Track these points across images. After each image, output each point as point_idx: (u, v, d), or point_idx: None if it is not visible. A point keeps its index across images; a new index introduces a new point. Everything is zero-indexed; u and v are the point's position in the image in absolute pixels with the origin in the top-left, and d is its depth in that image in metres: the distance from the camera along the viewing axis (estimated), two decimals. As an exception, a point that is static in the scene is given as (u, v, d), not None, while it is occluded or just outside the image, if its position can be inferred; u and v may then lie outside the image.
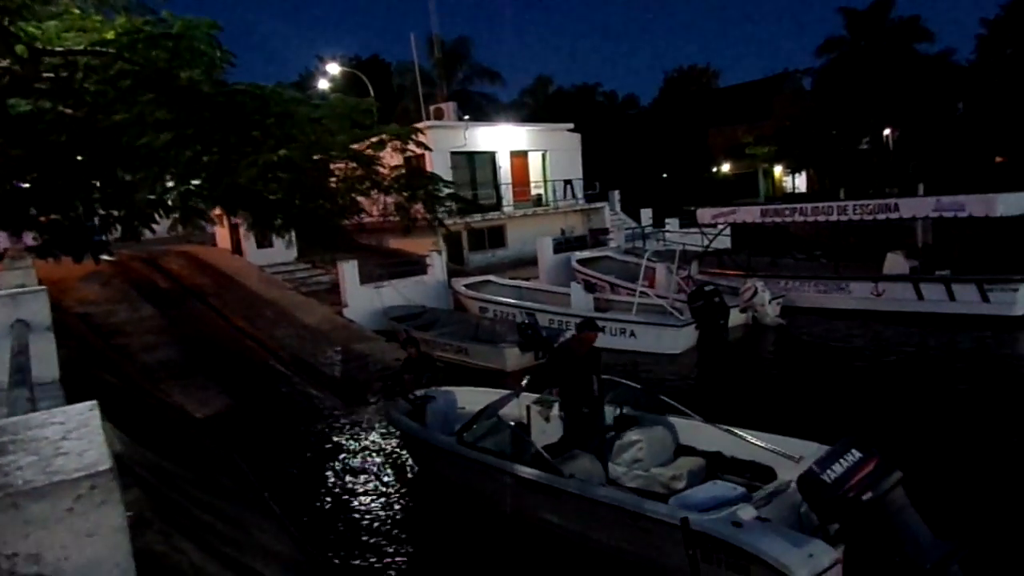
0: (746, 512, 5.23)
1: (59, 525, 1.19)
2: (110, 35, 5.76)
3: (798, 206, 18.26)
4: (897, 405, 10.34)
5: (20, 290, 4.34)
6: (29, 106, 5.65)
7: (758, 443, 6.60)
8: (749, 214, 19.11)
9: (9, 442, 1.40)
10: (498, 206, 24.42)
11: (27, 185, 7.69)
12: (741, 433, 6.80)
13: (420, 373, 9.44)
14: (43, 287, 4.62)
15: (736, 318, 15.38)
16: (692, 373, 13.36)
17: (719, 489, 5.89)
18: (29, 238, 8.88)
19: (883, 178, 32.74)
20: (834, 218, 17.28)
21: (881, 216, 16.36)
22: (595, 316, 14.97)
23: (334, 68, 33.74)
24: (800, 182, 42.45)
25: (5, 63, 5.62)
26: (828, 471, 5.29)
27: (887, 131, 34.81)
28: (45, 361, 4.18)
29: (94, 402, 1.63)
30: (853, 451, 5.49)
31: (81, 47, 5.75)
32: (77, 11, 5.81)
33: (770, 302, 15.80)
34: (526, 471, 6.58)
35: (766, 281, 16.38)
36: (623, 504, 5.81)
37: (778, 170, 42.51)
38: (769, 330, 15.65)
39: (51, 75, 5.96)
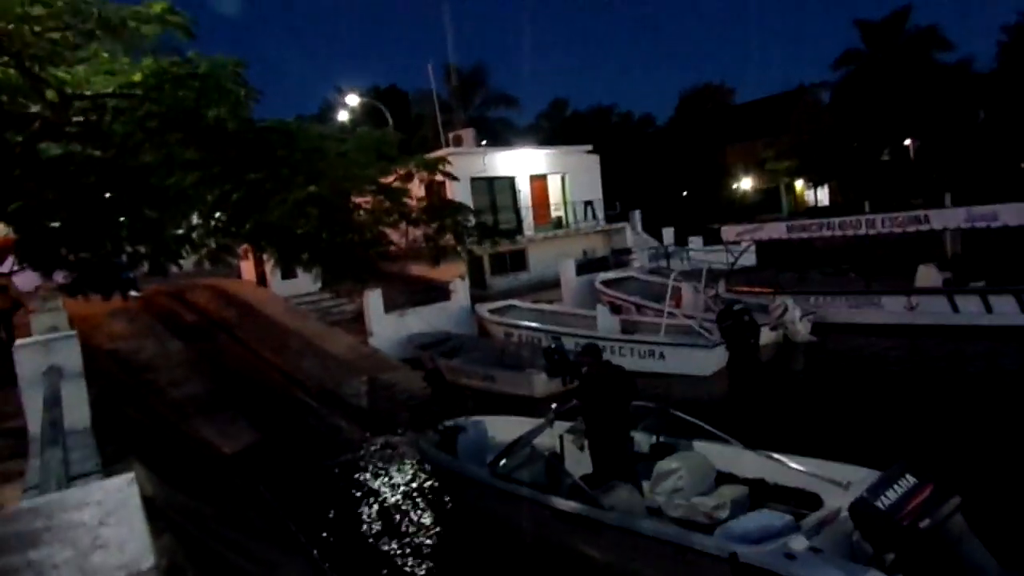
0: (798, 543, 5.02)
1: (98, 634, 1.06)
2: (137, 77, 5.80)
3: (826, 221, 17.94)
4: (944, 425, 9.97)
5: (53, 336, 4.31)
6: (60, 149, 5.69)
7: (802, 469, 6.37)
8: (775, 230, 18.84)
9: (44, 528, 1.29)
10: (519, 230, 24.37)
11: (57, 224, 7.76)
12: (783, 458, 6.57)
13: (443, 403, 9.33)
14: (73, 332, 4.59)
15: (767, 337, 15.07)
16: (724, 395, 13.06)
17: (766, 518, 5.66)
18: (60, 276, 8.93)
19: (906, 189, 32.28)
20: (863, 232, 16.94)
21: (911, 228, 16.02)
22: (621, 338, 14.84)
23: (353, 99, 34.14)
24: (822, 195, 42.03)
25: (37, 109, 5.67)
26: (882, 498, 5.08)
27: (908, 141, 34.38)
28: (77, 408, 4.13)
29: (131, 476, 1.53)
30: (907, 476, 5.28)
31: (109, 90, 5.80)
32: (106, 55, 5.87)
33: (801, 319, 15.49)
34: (564, 503, 6.40)
35: (796, 298, 16.08)
36: (668, 537, 5.60)
37: (799, 184, 42.13)
38: (801, 348, 15.30)
39: (80, 118, 6.01)
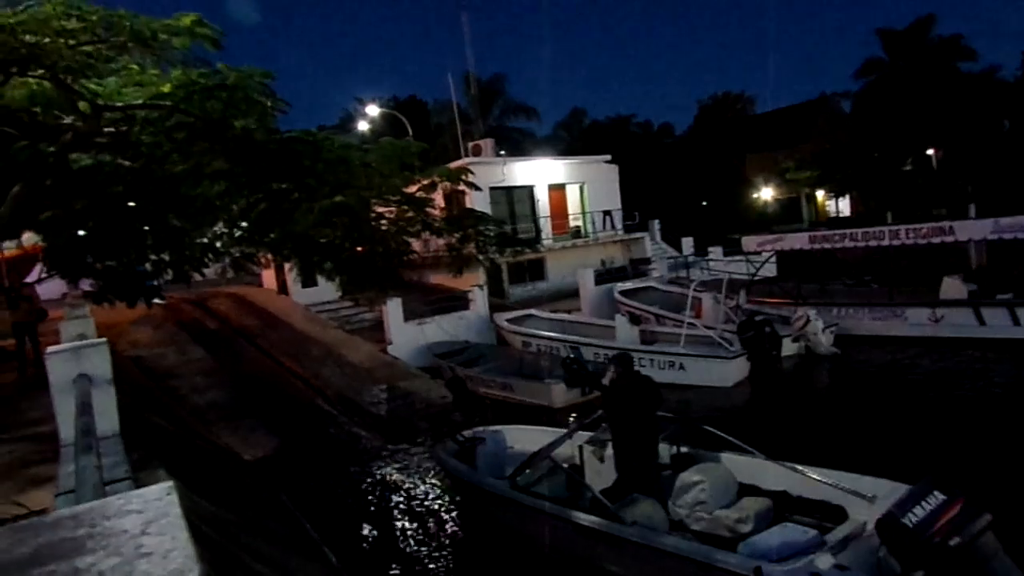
0: (824, 560, 4.95)
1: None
2: (166, 88, 5.91)
3: (848, 231, 17.74)
4: (972, 439, 9.78)
5: (82, 343, 4.37)
6: (90, 160, 5.80)
7: (825, 481, 6.27)
8: (797, 241, 18.65)
9: (87, 536, 1.30)
10: (537, 240, 24.38)
11: (83, 233, 7.90)
12: (806, 470, 6.48)
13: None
14: (103, 339, 4.65)
15: (788, 348, 14.93)
16: (745, 406, 12.93)
17: (790, 533, 5.58)
18: (86, 284, 9.09)
19: (930, 199, 31.87)
20: (886, 243, 16.73)
21: (936, 239, 15.79)
22: (641, 349, 14.74)
23: (373, 110, 34.43)
24: (844, 206, 41.60)
25: (69, 120, 5.79)
26: (910, 514, 4.99)
27: (931, 151, 33.97)
28: (106, 415, 4.18)
29: (171, 484, 1.54)
30: (936, 492, 5.18)
31: (139, 101, 5.91)
32: (136, 67, 5.98)
33: (824, 330, 15.31)
34: (584, 518, 6.35)
35: (818, 309, 15.90)
36: (691, 554, 5.53)
37: (821, 195, 41.75)
38: (823, 360, 15.13)
39: (111, 129, 6.13)
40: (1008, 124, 32.95)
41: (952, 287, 15.98)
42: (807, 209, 42.64)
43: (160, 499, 1.45)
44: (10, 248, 13.71)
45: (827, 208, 42.95)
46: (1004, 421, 10.59)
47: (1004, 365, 13.47)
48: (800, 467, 6.53)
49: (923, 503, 5.09)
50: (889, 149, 33.15)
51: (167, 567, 1.14)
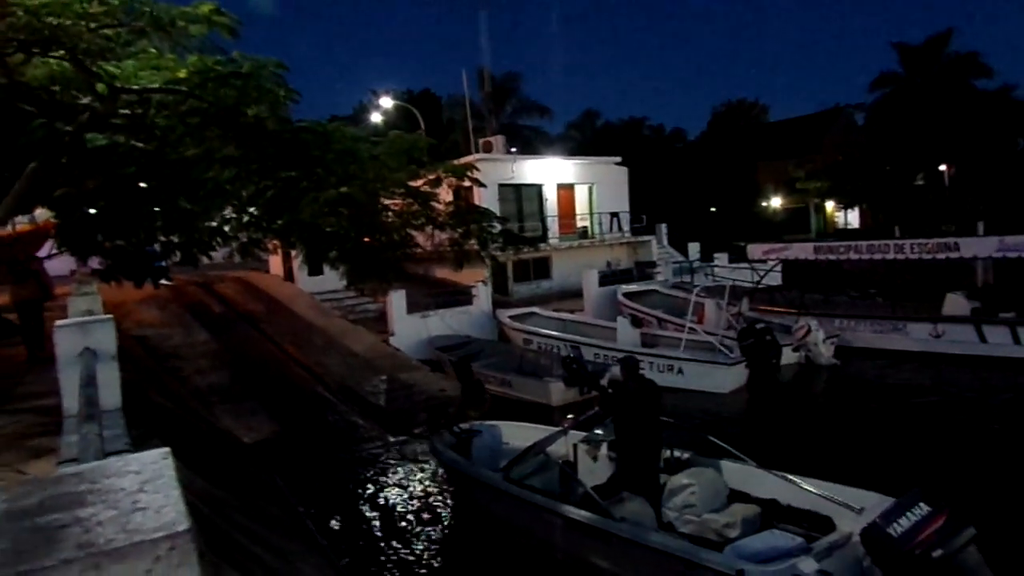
0: (807, 565, 5.02)
1: (137, 588, 1.17)
2: (183, 74, 6.02)
3: (853, 243, 17.75)
4: (964, 455, 9.83)
5: (89, 319, 4.48)
6: (105, 140, 5.92)
7: (815, 491, 6.35)
8: (802, 250, 18.68)
9: (87, 492, 1.40)
10: (544, 238, 24.46)
11: (95, 211, 8.04)
12: (797, 480, 6.55)
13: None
14: (110, 316, 4.76)
15: (788, 357, 14.96)
16: (742, 413, 12.99)
17: (777, 539, 5.66)
18: (95, 262, 9.21)
19: (939, 215, 31.75)
20: (891, 256, 16.74)
21: (941, 255, 15.79)
22: (641, 351, 14.80)
23: (387, 102, 34.53)
24: (853, 218, 41.49)
25: (87, 100, 5.91)
26: (894, 525, 5.07)
27: (943, 167, 33.82)
28: (109, 389, 4.29)
29: (167, 450, 1.64)
30: (921, 504, 5.26)
31: (156, 85, 6.02)
32: (153, 51, 6.10)
33: (824, 341, 15.36)
34: (575, 512, 6.44)
35: (820, 320, 15.94)
36: (677, 552, 5.62)
37: (830, 205, 41.65)
38: (823, 370, 15.17)
39: (127, 111, 6.25)
40: (1023, 143, 32.79)
41: (955, 303, 15.99)
42: (815, 219, 42.55)
43: (156, 462, 1.56)
44: (23, 223, 13.87)
45: (836, 219, 42.85)
46: (997, 438, 10.63)
47: (1002, 383, 13.48)
48: (791, 476, 6.60)
49: (908, 514, 5.16)
50: (901, 163, 33.03)
51: (160, 520, 1.24)
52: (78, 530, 1.21)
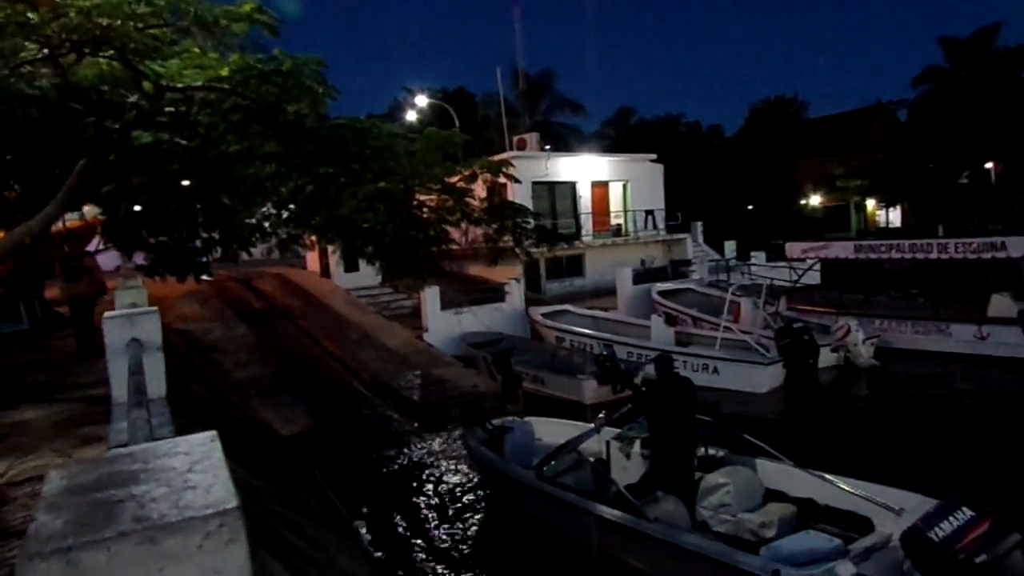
0: (845, 569, 4.93)
1: (189, 561, 1.21)
2: (225, 72, 6.16)
3: (895, 242, 17.38)
4: (1010, 460, 9.53)
5: (136, 311, 4.62)
6: (151, 138, 6.09)
7: (853, 491, 6.22)
8: (842, 249, 18.33)
9: (140, 470, 1.45)
10: (577, 235, 24.40)
11: (139, 208, 8.27)
12: (834, 480, 6.43)
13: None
14: (155, 308, 4.91)
15: (827, 358, 14.69)
16: (778, 414, 12.79)
17: (814, 540, 5.57)
18: (139, 257, 9.46)
19: (985, 214, 30.80)
20: (934, 256, 16.34)
21: (986, 255, 15.37)
22: (675, 350, 14.66)
23: (422, 100, 34.79)
24: (894, 216, 40.51)
25: (134, 99, 6.10)
26: (936, 528, 4.95)
27: (990, 165, 32.77)
28: (155, 378, 4.43)
29: (214, 433, 1.69)
30: (964, 508, 5.13)
31: (199, 83, 6.18)
32: (197, 50, 6.25)
33: (864, 342, 15.04)
34: (608, 511, 6.43)
35: (860, 320, 15.61)
36: (712, 554, 5.57)
37: (871, 204, 40.71)
38: (862, 371, 14.86)
39: (171, 109, 6.42)
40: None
41: (1001, 305, 15.52)
42: (856, 218, 41.63)
43: (204, 444, 1.61)
44: (72, 219, 14.33)
45: (877, 218, 41.88)
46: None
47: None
48: (828, 476, 6.49)
49: (951, 518, 5.04)
50: (945, 160, 32.12)
51: (209, 498, 1.29)
52: (133, 505, 1.27)
